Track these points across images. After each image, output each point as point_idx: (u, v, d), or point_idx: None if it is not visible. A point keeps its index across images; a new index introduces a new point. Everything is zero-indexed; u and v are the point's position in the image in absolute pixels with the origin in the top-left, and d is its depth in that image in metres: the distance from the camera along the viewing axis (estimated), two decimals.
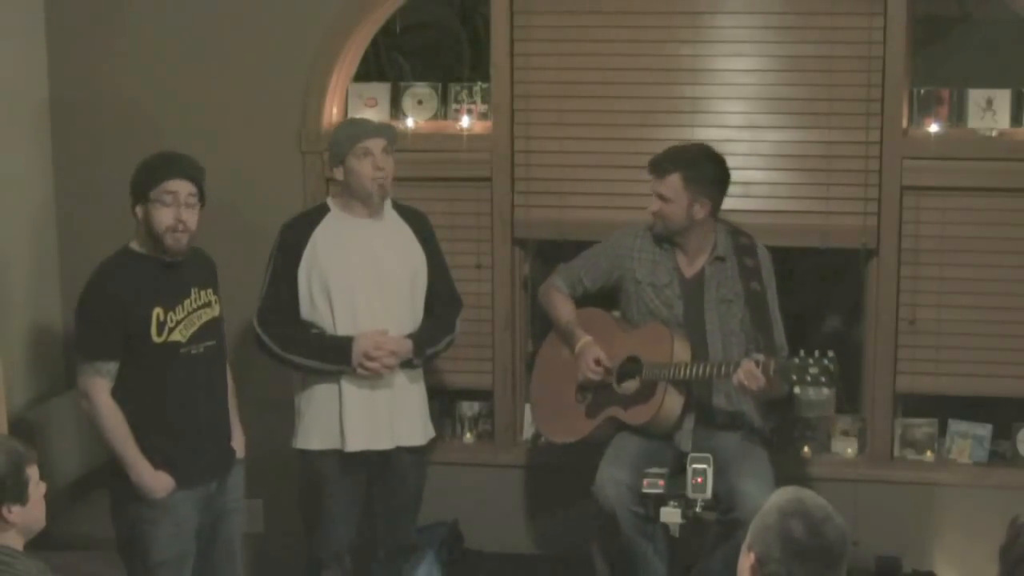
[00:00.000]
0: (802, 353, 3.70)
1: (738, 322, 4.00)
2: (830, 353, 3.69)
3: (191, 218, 3.52)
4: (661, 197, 3.97)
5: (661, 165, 3.98)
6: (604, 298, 4.27)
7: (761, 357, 3.75)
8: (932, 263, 4.42)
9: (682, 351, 3.93)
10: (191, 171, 3.54)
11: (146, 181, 3.50)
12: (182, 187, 3.50)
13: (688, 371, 3.88)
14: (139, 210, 3.51)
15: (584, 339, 4.07)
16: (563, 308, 4.19)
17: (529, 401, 4.49)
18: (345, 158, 3.83)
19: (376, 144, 3.83)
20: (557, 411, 4.20)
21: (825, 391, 3.73)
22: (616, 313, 4.22)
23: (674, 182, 3.94)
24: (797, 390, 3.74)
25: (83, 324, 3.53)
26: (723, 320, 3.99)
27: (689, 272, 4.05)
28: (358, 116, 4.41)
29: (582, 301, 4.23)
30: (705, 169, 3.96)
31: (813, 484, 4.02)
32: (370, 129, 3.87)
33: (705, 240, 4.03)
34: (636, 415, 3.99)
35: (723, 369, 3.84)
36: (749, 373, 3.71)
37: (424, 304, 4.01)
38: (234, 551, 3.79)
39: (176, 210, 3.48)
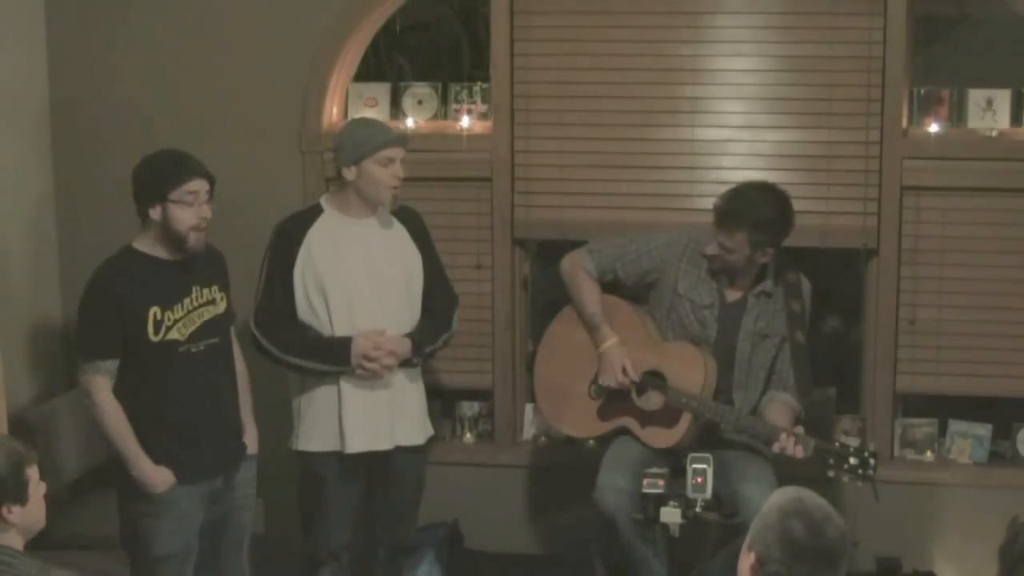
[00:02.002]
0: (843, 439, 3.68)
1: (769, 359, 3.93)
2: (871, 447, 3.68)
3: (209, 214, 3.55)
4: (724, 248, 3.84)
5: (727, 220, 3.80)
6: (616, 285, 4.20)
7: (801, 430, 3.72)
8: (932, 263, 4.42)
9: (712, 382, 3.86)
10: (205, 168, 3.56)
11: (165, 182, 3.49)
12: (201, 186, 3.53)
13: (719, 417, 3.83)
14: (155, 211, 3.50)
15: (611, 340, 3.96)
16: (590, 295, 4.04)
17: (531, 374, 4.35)
18: (363, 161, 3.81)
19: (399, 153, 3.82)
20: (565, 398, 4.11)
21: (859, 484, 3.71)
22: (642, 307, 4.10)
23: (740, 239, 3.79)
24: (831, 474, 3.72)
25: (83, 323, 3.55)
26: (754, 352, 3.93)
27: (731, 297, 3.95)
28: (367, 116, 4.35)
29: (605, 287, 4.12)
30: (773, 223, 3.81)
31: (813, 484, 4.02)
32: (396, 138, 3.83)
33: (754, 272, 3.94)
34: (654, 438, 3.93)
35: (755, 429, 3.81)
36: (787, 448, 3.69)
37: (421, 302, 4.00)
38: (241, 546, 3.80)
39: (197, 208, 3.51)
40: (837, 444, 3.70)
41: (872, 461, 3.65)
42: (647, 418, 3.95)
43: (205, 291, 3.63)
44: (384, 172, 3.80)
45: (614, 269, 4.06)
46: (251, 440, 3.79)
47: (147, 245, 3.55)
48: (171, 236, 3.51)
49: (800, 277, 4.00)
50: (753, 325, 3.93)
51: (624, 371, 3.93)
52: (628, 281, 4.07)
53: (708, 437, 3.96)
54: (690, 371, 3.87)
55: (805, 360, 3.91)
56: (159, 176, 3.50)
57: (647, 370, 3.94)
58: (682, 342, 3.94)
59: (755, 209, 3.80)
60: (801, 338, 3.91)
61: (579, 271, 4.07)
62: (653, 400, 3.93)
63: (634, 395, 3.96)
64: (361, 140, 3.80)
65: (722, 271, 3.93)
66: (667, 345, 3.97)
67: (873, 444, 3.69)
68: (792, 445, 3.69)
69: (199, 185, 3.51)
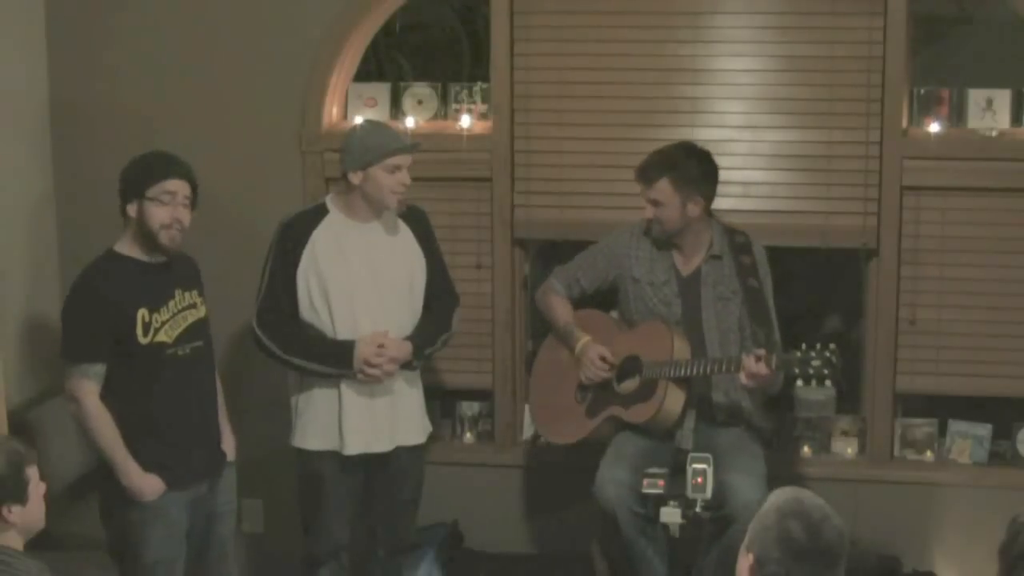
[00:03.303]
0: (803, 347, 3.70)
1: (735, 320, 4.00)
2: (832, 346, 3.69)
3: (186, 217, 3.55)
4: (653, 203, 3.97)
5: (647, 172, 3.98)
6: (601, 300, 4.27)
7: (762, 352, 3.74)
8: (932, 263, 4.42)
9: (682, 348, 3.93)
10: (189, 172, 3.57)
11: (143, 179, 3.51)
12: (181, 187, 3.54)
13: (688, 368, 3.88)
14: (132, 208, 3.52)
15: (584, 339, 4.07)
16: (560, 310, 4.19)
17: (528, 405, 4.48)
18: (370, 167, 3.80)
19: (407, 161, 3.83)
20: (557, 413, 4.19)
21: (827, 385, 3.72)
22: (614, 313, 4.23)
23: (663, 187, 3.94)
24: (800, 383, 3.73)
25: (69, 327, 3.54)
26: (720, 318, 4.00)
27: (686, 270, 4.05)
28: (377, 120, 4.30)
29: (579, 303, 4.22)
30: (691, 168, 3.96)
31: (813, 484, 4.02)
32: (405, 147, 3.84)
33: (701, 238, 4.04)
34: (637, 414, 3.99)
35: (724, 365, 3.85)
36: (751, 369, 3.72)
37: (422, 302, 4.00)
38: (227, 552, 3.80)
39: (173, 209, 3.51)
40: (798, 353, 3.71)
41: (834, 359, 3.66)
42: (629, 400, 4.00)
43: (187, 295, 3.64)
44: (390, 179, 3.80)
45: (577, 279, 4.19)
46: (229, 447, 3.80)
47: (128, 247, 3.57)
48: (144, 234, 3.52)
49: (749, 238, 4.08)
50: (712, 291, 4.01)
51: (603, 358, 3.99)
52: (592, 287, 4.20)
53: (701, 411, 3.99)
54: (658, 343, 3.95)
55: (760, 300, 3.96)
56: (140, 173, 3.53)
57: (624, 357, 4.01)
58: (649, 321, 4.03)
59: (668, 156, 3.98)
60: (754, 283, 3.97)
61: (548, 293, 4.23)
62: (633, 382, 4.00)
63: (615, 384, 4.01)
64: (370, 147, 3.79)
65: (664, 237, 4.02)
66: (635, 329, 4.07)
67: (832, 344, 3.70)
68: (754, 363, 3.71)
69: (178, 186, 3.52)
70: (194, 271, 3.74)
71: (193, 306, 3.65)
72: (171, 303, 3.58)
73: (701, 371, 3.88)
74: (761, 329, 3.90)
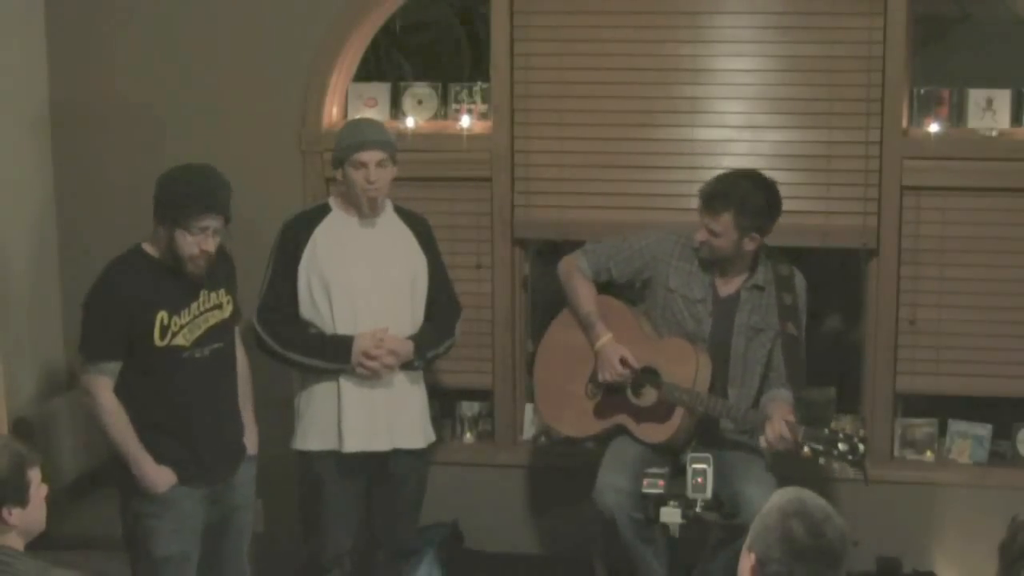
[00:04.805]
0: (832, 425, 3.69)
1: (764, 353, 3.94)
2: (861, 432, 3.68)
3: (213, 247, 3.53)
4: (711, 232, 3.85)
5: (714, 203, 3.83)
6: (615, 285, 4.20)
7: (791, 419, 3.73)
8: (932, 263, 4.42)
9: (704, 378, 3.86)
10: (225, 206, 3.53)
11: (181, 211, 3.46)
12: (215, 221, 3.51)
13: (712, 409, 3.84)
14: (163, 230, 3.49)
15: (606, 336, 3.97)
16: (585, 294, 4.06)
17: (533, 378, 4.36)
18: (344, 163, 3.82)
19: (372, 157, 3.79)
20: (563, 399, 4.12)
21: (850, 471, 3.72)
22: (638, 307, 4.12)
23: (725, 220, 3.82)
24: (821, 461, 3.73)
25: (88, 323, 3.55)
26: (749, 347, 3.94)
27: (724, 292, 3.97)
28: (363, 117, 4.35)
29: (601, 288, 4.14)
30: (758, 205, 3.83)
31: (813, 484, 4.01)
32: (368, 142, 3.81)
33: (746, 264, 3.96)
34: (649, 433, 3.94)
35: (747, 417, 3.83)
36: (778, 435, 3.70)
37: (424, 309, 3.99)
38: (242, 547, 3.79)
39: (202, 240, 3.49)
40: (826, 431, 3.70)
41: (861, 447, 3.65)
42: (642, 414, 3.96)
43: (213, 295, 3.63)
44: (357, 175, 3.80)
45: (608, 268, 4.08)
46: (251, 441, 3.79)
47: (156, 250, 3.56)
48: (173, 256, 3.51)
49: (793, 271, 4.01)
50: (747, 319, 3.94)
51: (623, 362, 3.93)
52: (621, 279, 4.10)
53: (708, 436, 3.96)
54: (683, 366, 3.88)
55: (797, 351, 3.91)
56: (178, 203, 3.48)
57: (642, 367, 3.95)
58: (676, 338, 3.95)
59: (741, 191, 3.84)
60: (793, 329, 3.91)
61: (574, 272, 4.09)
62: (648, 396, 3.94)
63: (629, 392, 3.97)
64: (343, 143, 3.83)
65: (712, 261, 3.94)
66: (661, 341, 3.98)
67: (863, 431, 3.69)
68: (782, 432, 3.69)
69: (212, 222, 3.50)
70: (227, 268, 3.71)
71: (218, 306, 3.64)
72: (193, 305, 3.57)
73: (722, 413, 3.85)
74: (793, 383, 3.87)
